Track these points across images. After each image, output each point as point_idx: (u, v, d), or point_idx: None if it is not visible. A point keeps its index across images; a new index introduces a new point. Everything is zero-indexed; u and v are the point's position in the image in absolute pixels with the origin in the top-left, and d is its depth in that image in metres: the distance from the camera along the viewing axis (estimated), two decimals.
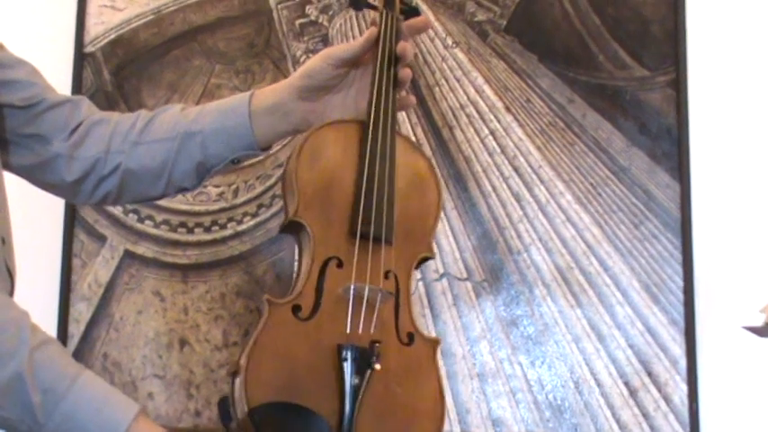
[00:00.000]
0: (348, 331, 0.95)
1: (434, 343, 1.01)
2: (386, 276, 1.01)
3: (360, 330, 0.95)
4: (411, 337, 0.99)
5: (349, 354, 0.93)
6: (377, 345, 0.94)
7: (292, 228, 1.02)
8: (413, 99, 1.24)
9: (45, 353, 0.92)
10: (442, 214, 1.90)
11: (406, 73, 1.15)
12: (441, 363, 1.91)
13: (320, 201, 1.02)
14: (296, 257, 1.25)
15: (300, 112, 1.18)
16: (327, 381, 0.93)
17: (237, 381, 0.91)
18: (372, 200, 1.02)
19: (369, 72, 1.14)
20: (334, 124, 1.09)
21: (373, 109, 1.08)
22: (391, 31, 1.13)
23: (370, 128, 1.06)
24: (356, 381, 0.92)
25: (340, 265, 0.99)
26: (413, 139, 1.89)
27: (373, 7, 1.16)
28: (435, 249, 1.70)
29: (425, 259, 1.08)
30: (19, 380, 0.89)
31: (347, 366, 0.92)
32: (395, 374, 0.96)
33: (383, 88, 1.10)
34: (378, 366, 0.92)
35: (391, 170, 1.06)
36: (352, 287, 0.97)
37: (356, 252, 0.99)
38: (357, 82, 1.19)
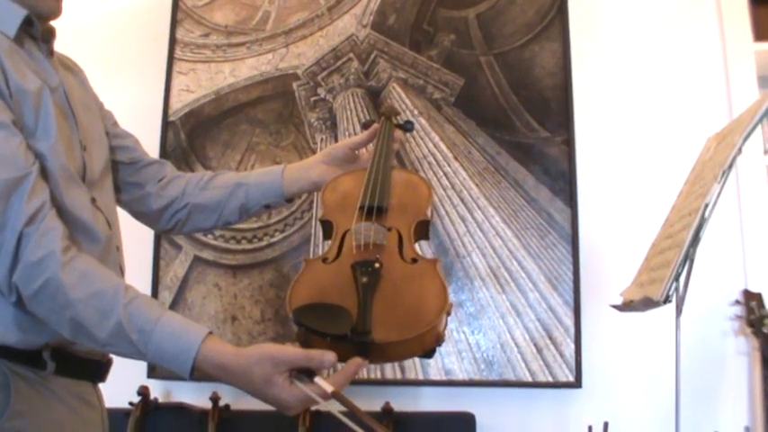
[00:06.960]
0: (358, 257, 1.11)
1: (434, 261, 1.13)
2: (388, 229, 1.17)
3: (366, 254, 1.11)
4: (414, 260, 1.13)
5: (357, 265, 1.08)
6: (377, 257, 1.09)
7: (324, 223, 1.25)
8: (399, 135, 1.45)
9: (135, 305, 1.03)
10: None
11: (398, 135, 1.43)
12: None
13: (339, 206, 1.26)
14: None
15: (319, 170, 1.41)
16: (348, 290, 1.05)
17: (286, 299, 1.08)
18: (369, 190, 1.24)
19: (364, 163, 1.39)
20: (347, 173, 1.37)
21: (375, 154, 1.34)
22: (386, 129, 1.43)
23: (373, 163, 1.32)
24: (365, 279, 1.05)
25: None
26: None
27: (374, 122, 1.47)
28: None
29: (424, 222, 1.24)
30: (120, 326, 1.01)
31: (357, 272, 1.07)
32: (401, 280, 1.08)
33: (380, 145, 1.37)
34: (377, 265, 1.07)
35: (384, 179, 1.27)
36: (355, 227, 1.17)
37: (363, 215, 1.20)
38: (355, 165, 1.41)
